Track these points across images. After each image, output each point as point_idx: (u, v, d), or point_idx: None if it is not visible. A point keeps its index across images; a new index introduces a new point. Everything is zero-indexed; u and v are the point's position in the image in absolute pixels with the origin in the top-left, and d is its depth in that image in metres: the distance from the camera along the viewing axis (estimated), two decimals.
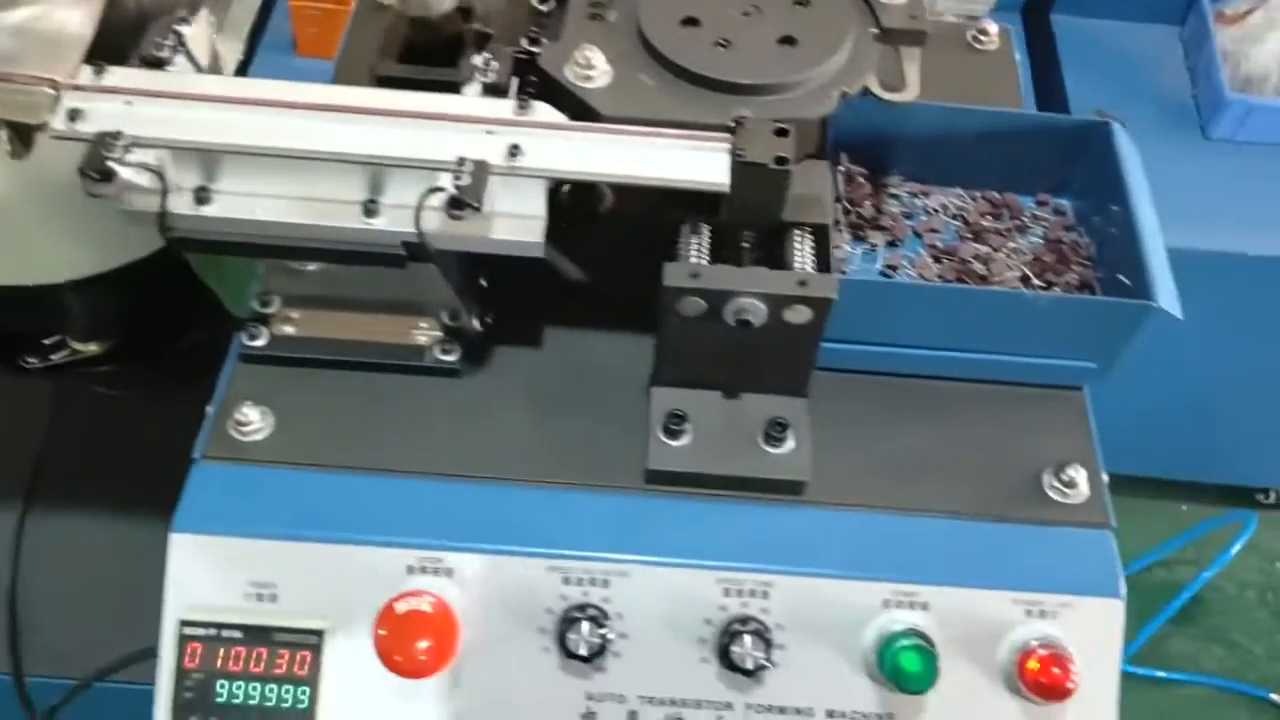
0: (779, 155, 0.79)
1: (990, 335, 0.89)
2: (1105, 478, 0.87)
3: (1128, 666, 1.86)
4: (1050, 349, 0.90)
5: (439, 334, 0.91)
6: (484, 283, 0.93)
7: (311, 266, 0.90)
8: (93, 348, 1.18)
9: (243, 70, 1.35)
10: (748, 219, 0.83)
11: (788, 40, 0.86)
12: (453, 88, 0.85)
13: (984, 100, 1.12)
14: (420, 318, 0.91)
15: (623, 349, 0.91)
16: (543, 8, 0.92)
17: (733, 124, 0.80)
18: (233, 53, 1.37)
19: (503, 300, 0.93)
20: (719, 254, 0.84)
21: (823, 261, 0.83)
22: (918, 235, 1.00)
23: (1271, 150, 1.64)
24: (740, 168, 0.79)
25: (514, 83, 0.85)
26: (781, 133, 0.80)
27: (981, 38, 1.16)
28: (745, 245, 0.85)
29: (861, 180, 1.00)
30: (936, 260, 0.98)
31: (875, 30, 0.89)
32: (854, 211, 0.99)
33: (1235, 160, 1.63)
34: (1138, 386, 1.79)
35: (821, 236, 0.84)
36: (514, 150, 0.79)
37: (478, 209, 0.76)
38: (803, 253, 0.83)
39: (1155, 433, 1.87)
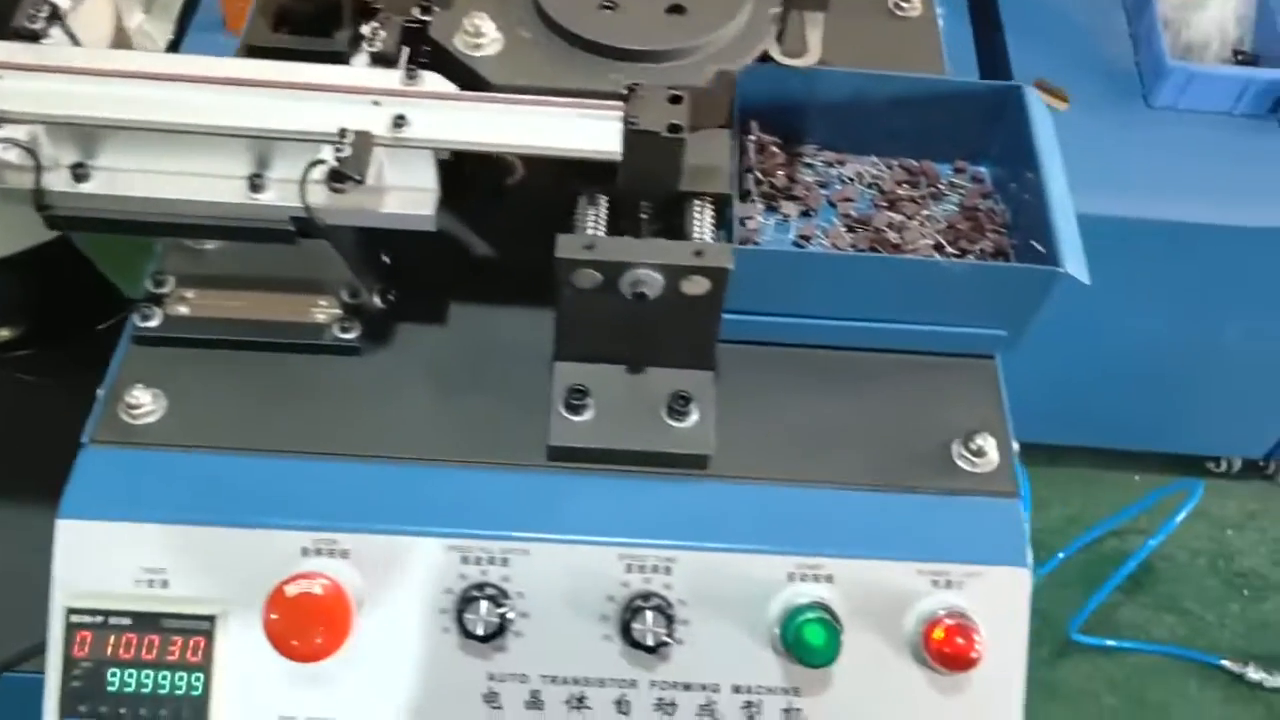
0: (672, 123, 0.77)
1: (899, 304, 0.88)
2: (1015, 446, 0.86)
3: (1078, 636, 1.87)
4: (960, 317, 0.88)
5: (338, 312, 0.89)
6: (386, 259, 0.91)
7: (209, 245, 0.88)
8: (4, 333, 1.16)
9: (173, 49, 1.33)
10: (644, 189, 0.81)
11: (677, 9, 0.84)
12: (343, 59, 0.83)
13: (905, 69, 1.10)
14: (319, 295, 0.89)
15: (529, 324, 0.89)
16: None
17: (625, 91, 0.79)
18: (162, 33, 1.35)
19: (406, 276, 0.91)
20: (617, 226, 0.83)
21: (722, 232, 0.81)
22: (832, 205, 0.98)
23: (1213, 119, 1.63)
24: (632, 136, 0.77)
25: (404, 53, 0.83)
26: (675, 100, 0.78)
27: (903, 4, 1.14)
28: (644, 217, 0.83)
29: (774, 150, 0.99)
30: (850, 230, 0.97)
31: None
32: (766, 181, 0.98)
33: (1177, 128, 1.63)
34: (1088, 358, 1.79)
35: (722, 207, 0.82)
36: (399, 121, 0.77)
37: (359, 181, 0.74)
38: (702, 223, 0.81)
39: (1107, 404, 1.87)
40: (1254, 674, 1.87)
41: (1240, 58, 1.67)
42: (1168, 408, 1.92)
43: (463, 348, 0.90)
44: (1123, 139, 1.63)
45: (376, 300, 0.89)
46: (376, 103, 0.78)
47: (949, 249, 0.95)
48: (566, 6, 0.83)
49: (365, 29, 0.82)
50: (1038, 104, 0.96)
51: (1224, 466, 2.08)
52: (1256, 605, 1.98)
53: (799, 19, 0.88)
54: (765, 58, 0.85)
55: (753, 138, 0.98)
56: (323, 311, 0.89)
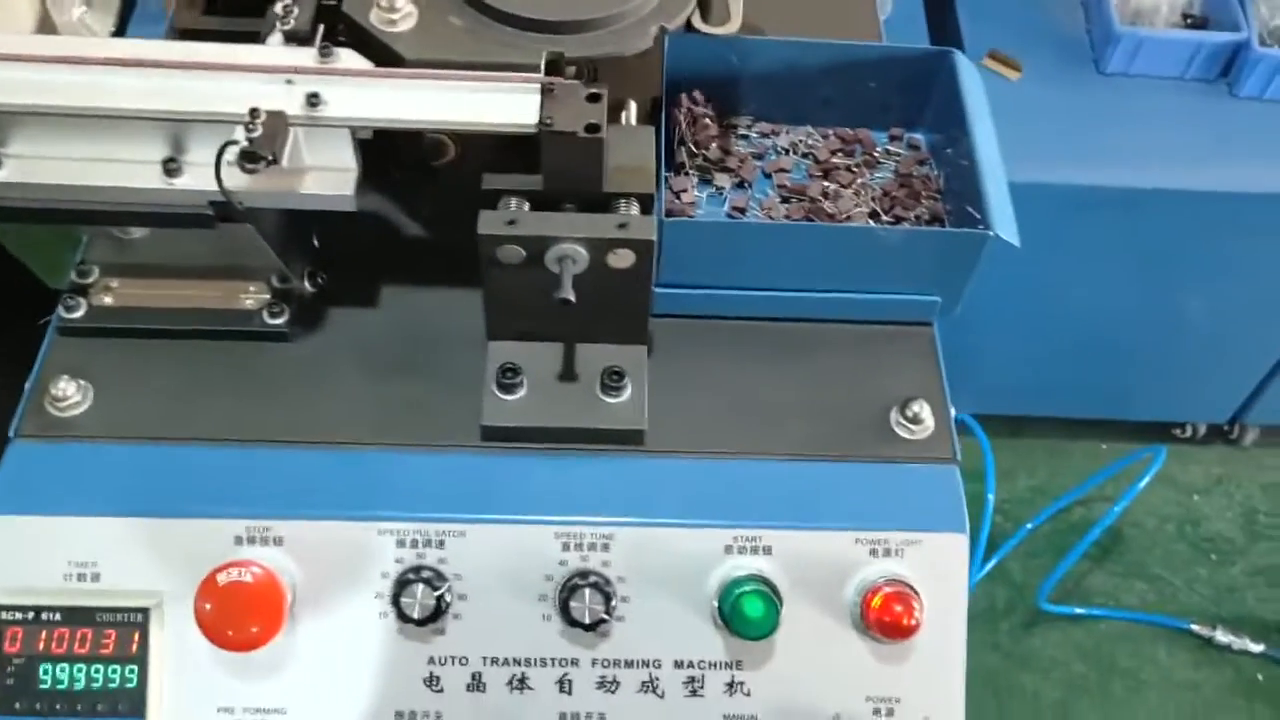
0: (590, 123, 0.76)
1: (832, 272, 0.87)
2: (953, 411, 0.86)
3: (1047, 605, 1.87)
4: (894, 284, 0.88)
5: (267, 297, 0.88)
6: (315, 242, 0.89)
7: (134, 233, 0.86)
8: None
9: None
10: (565, 190, 0.80)
11: None
12: (257, 38, 0.82)
13: (840, 35, 1.09)
14: (248, 281, 0.88)
15: (462, 305, 0.88)
16: None
17: (544, 63, 0.78)
18: (103, 25, 1.32)
19: (337, 259, 0.90)
20: None
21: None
22: (767, 176, 0.98)
23: (1164, 84, 1.63)
24: (549, 138, 0.76)
25: (320, 30, 0.81)
26: (593, 98, 0.77)
27: None
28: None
29: (707, 121, 0.98)
30: (785, 200, 0.96)
31: None
32: (700, 154, 0.97)
33: (1129, 95, 1.62)
34: (1051, 328, 1.79)
35: (646, 207, 0.81)
36: (313, 99, 0.76)
37: (272, 162, 0.73)
38: (629, 206, 0.80)
39: (1071, 374, 1.88)
40: (1222, 637, 1.87)
41: (1190, 21, 1.67)
42: (1131, 376, 1.92)
43: (395, 330, 0.89)
44: (1075, 106, 1.63)
45: (306, 284, 0.88)
46: (290, 81, 0.77)
47: (884, 217, 0.94)
48: None
49: (278, 6, 0.81)
50: (968, 68, 0.95)
51: (1189, 432, 2.09)
52: (1224, 569, 1.99)
53: None
54: (688, 27, 0.84)
55: (684, 110, 0.97)
56: (251, 297, 0.88)
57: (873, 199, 0.95)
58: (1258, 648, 1.86)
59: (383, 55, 0.79)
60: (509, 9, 0.80)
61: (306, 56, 0.78)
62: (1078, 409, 2.03)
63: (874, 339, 0.90)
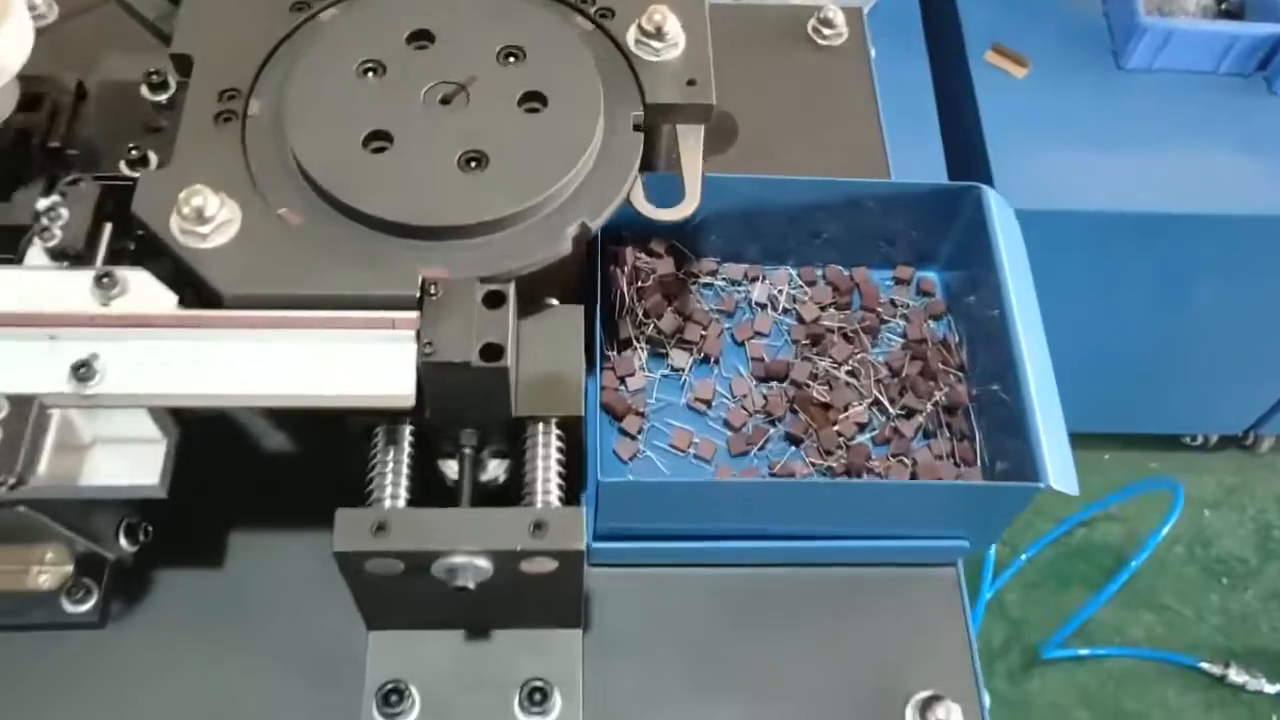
0: (489, 344, 0.53)
1: (834, 523, 0.65)
2: (986, 700, 0.65)
3: (1046, 651, 1.72)
4: (910, 529, 0.66)
5: (68, 569, 0.65)
6: None
7: None
8: None
9: None
10: (459, 422, 0.58)
11: (475, 158, 0.59)
12: (17, 244, 0.57)
13: (828, 114, 0.86)
14: (41, 547, 0.65)
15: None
16: (158, 98, 0.63)
17: (418, 293, 0.54)
18: None
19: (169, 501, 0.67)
20: (431, 449, 0.60)
21: (571, 481, 0.58)
22: (737, 342, 0.75)
23: (1192, 80, 1.40)
24: (431, 370, 0.53)
25: (104, 237, 0.57)
26: (493, 300, 0.54)
27: (824, 30, 0.89)
28: (466, 450, 0.59)
29: (659, 280, 0.74)
30: (763, 380, 0.73)
31: (637, 113, 0.62)
32: (650, 322, 0.74)
33: (1152, 93, 1.39)
34: (1059, 346, 1.59)
35: (573, 433, 0.59)
36: (83, 370, 0.52)
37: (16, 484, 0.50)
38: (546, 462, 0.58)
39: (1079, 390, 1.68)
40: (1235, 676, 1.72)
41: (1224, 9, 1.43)
42: (1143, 391, 1.74)
43: (245, 601, 0.67)
44: (1090, 106, 1.40)
45: (123, 543, 0.65)
46: (53, 338, 0.53)
47: (893, 409, 0.72)
48: (328, 155, 0.57)
49: (42, 203, 0.56)
50: (1002, 206, 0.72)
51: (1200, 440, 1.91)
52: (1237, 595, 1.83)
53: (670, 134, 0.63)
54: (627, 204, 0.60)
55: (627, 267, 0.74)
56: (48, 571, 0.65)
57: (877, 381, 0.73)
58: (1273, 689, 1.72)
59: (192, 278, 0.55)
60: (371, 210, 0.55)
61: (77, 290, 0.54)
62: (1085, 424, 1.83)
63: (884, 585, 0.69)
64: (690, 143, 0.62)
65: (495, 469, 0.61)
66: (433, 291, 0.54)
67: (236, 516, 0.68)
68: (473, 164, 0.58)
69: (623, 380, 0.72)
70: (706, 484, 0.64)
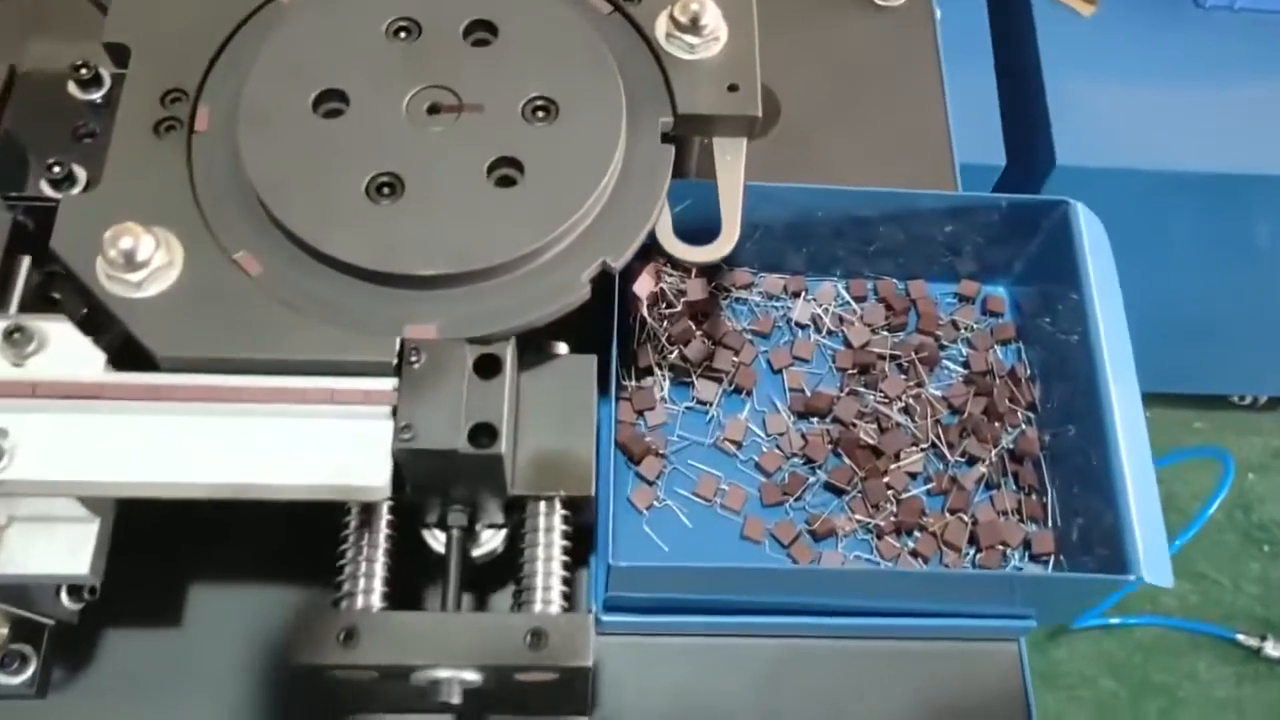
0: (480, 424, 0.44)
1: (881, 601, 0.57)
2: None
3: (1076, 620, 1.65)
4: (971, 610, 0.57)
5: (3, 632, 0.56)
6: None
7: None
8: None
9: None
10: (446, 502, 0.49)
11: (505, 180, 0.48)
12: None
13: (884, 90, 0.75)
14: None
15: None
16: (89, 97, 0.52)
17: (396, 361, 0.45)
18: None
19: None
20: (415, 517, 0.51)
21: (569, 583, 0.49)
22: (774, 370, 0.65)
23: (1275, 20, 1.27)
24: (409, 458, 0.44)
25: (23, 270, 0.48)
26: (487, 367, 0.44)
27: None
28: (454, 530, 0.50)
29: (686, 289, 0.64)
30: (802, 416, 0.64)
31: (666, 119, 0.51)
32: (676, 347, 0.64)
33: (1232, 35, 1.26)
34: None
35: (582, 513, 0.50)
36: None
37: None
38: (548, 551, 0.49)
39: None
40: (1273, 650, 1.65)
41: None
42: (1193, 350, 1.64)
43: (202, 665, 0.58)
44: (1162, 47, 1.28)
45: (66, 602, 0.57)
46: None
47: (950, 456, 0.62)
48: (294, 186, 0.47)
49: None
50: (1093, 225, 0.61)
51: (1249, 400, 1.81)
52: (1278, 564, 1.75)
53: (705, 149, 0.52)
54: (648, 252, 0.50)
55: (652, 281, 0.63)
56: None
57: (934, 420, 0.63)
58: None
59: (124, 334, 0.45)
60: (350, 256, 0.45)
61: None
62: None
63: (929, 663, 0.60)
64: (729, 160, 0.51)
65: (490, 540, 0.52)
66: (413, 358, 0.44)
67: (193, 569, 0.60)
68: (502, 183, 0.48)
69: (641, 414, 0.63)
70: (730, 570, 0.55)
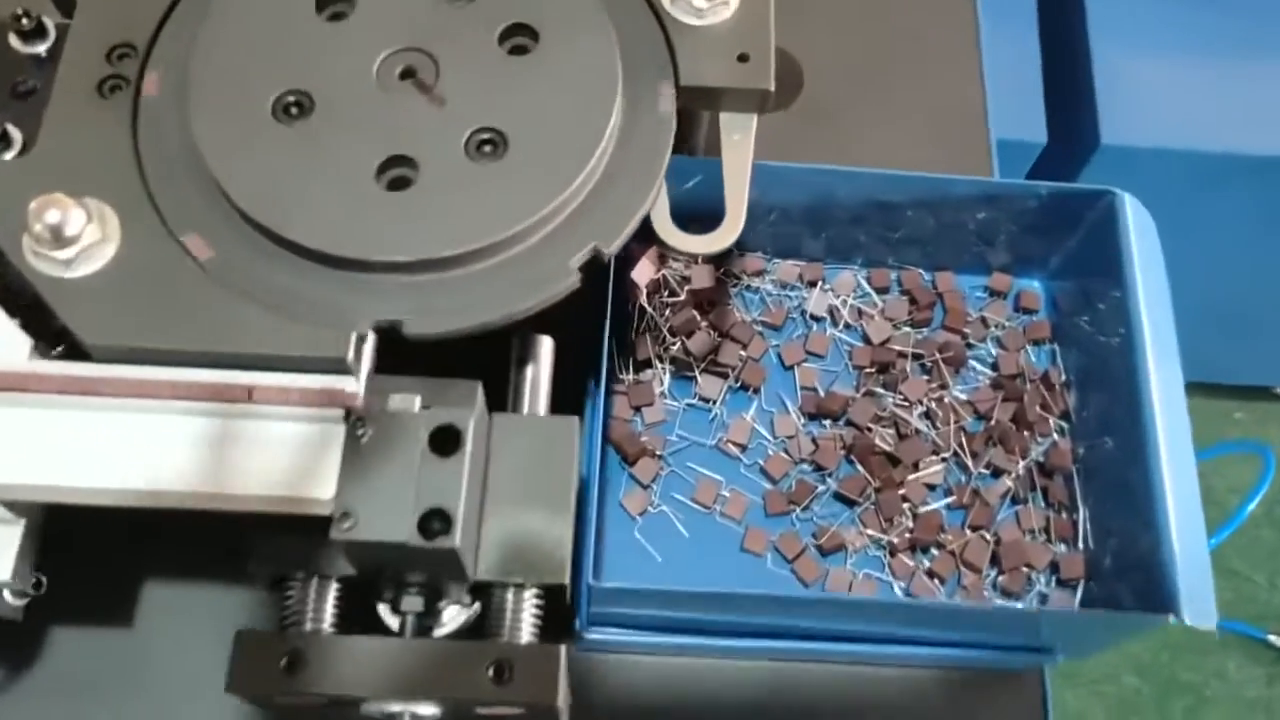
0: (433, 510, 0.38)
1: (891, 630, 0.52)
2: None
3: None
4: (991, 642, 0.52)
5: None
6: None
7: None
8: None
9: None
10: (399, 584, 0.44)
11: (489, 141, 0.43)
12: None
13: (915, 59, 0.69)
14: None
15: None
16: (32, 49, 0.47)
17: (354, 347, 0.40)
18: None
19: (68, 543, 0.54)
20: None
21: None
22: (785, 366, 0.60)
23: None
24: (351, 548, 0.39)
25: None
26: (444, 442, 0.39)
27: None
28: (408, 615, 0.44)
29: (687, 294, 0.59)
30: (813, 418, 0.59)
31: (670, 90, 0.46)
32: (678, 339, 0.59)
33: None
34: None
35: (554, 597, 0.44)
36: None
37: None
38: (517, 617, 0.43)
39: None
40: None
41: None
42: (1236, 341, 1.59)
43: (155, 668, 0.54)
44: (1218, 21, 1.24)
45: (8, 598, 0.53)
46: None
47: (975, 466, 0.57)
48: (249, 159, 0.42)
49: None
50: (1141, 215, 0.56)
51: None
52: None
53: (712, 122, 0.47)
54: (645, 236, 0.45)
55: (652, 268, 0.58)
56: None
57: (958, 427, 0.57)
58: None
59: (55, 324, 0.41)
60: (309, 240, 0.40)
61: None
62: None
63: (942, 690, 0.55)
64: (736, 140, 0.46)
65: (454, 617, 0.46)
66: (360, 431, 0.39)
67: (144, 564, 0.55)
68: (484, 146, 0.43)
69: (638, 411, 0.58)
70: (722, 595, 0.50)
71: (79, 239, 0.40)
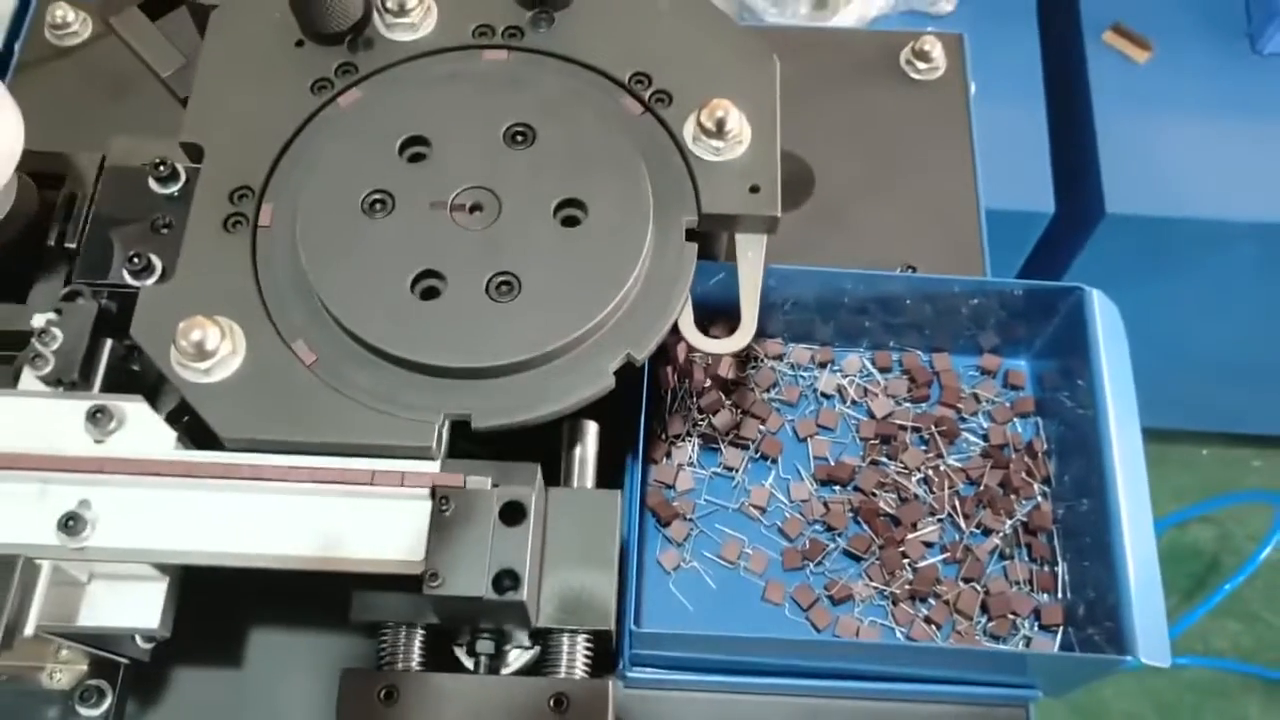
0: (505, 571, 0.47)
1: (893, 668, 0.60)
2: None
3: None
4: (981, 679, 0.60)
5: (83, 668, 0.62)
6: None
7: None
8: None
9: None
10: (474, 629, 0.53)
11: (507, 285, 0.53)
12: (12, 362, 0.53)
13: (916, 161, 0.78)
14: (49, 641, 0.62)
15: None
16: (167, 191, 0.57)
17: (439, 438, 0.49)
18: None
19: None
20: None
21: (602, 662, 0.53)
22: (799, 439, 0.68)
23: None
24: (438, 601, 0.48)
25: (102, 362, 0.53)
26: (512, 515, 0.48)
27: (919, 64, 0.80)
28: (482, 656, 0.54)
29: (712, 378, 0.68)
30: (825, 484, 0.67)
31: (691, 218, 0.55)
32: (706, 418, 0.67)
33: None
34: (1165, 346, 1.49)
35: (602, 641, 0.54)
36: (72, 523, 0.48)
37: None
38: (572, 657, 0.53)
39: (1184, 388, 1.58)
40: None
41: None
42: (1252, 392, 1.63)
43: (267, 705, 0.63)
44: (1218, 93, 1.27)
45: (139, 643, 0.62)
46: (44, 482, 0.49)
47: (967, 525, 0.65)
48: (348, 285, 0.52)
49: (38, 319, 0.52)
50: (1109, 312, 0.64)
51: None
52: None
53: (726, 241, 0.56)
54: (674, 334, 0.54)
55: (678, 364, 0.67)
56: (62, 670, 0.62)
57: (951, 491, 0.66)
58: None
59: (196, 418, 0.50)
60: (409, 353, 0.50)
61: (71, 426, 0.50)
62: (1185, 421, 1.73)
63: None
64: (749, 256, 0.55)
65: (518, 658, 0.55)
66: (444, 507, 0.48)
67: (260, 613, 0.65)
68: (503, 288, 0.52)
69: (665, 489, 0.66)
70: (746, 639, 0.59)
71: (216, 352, 0.50)
